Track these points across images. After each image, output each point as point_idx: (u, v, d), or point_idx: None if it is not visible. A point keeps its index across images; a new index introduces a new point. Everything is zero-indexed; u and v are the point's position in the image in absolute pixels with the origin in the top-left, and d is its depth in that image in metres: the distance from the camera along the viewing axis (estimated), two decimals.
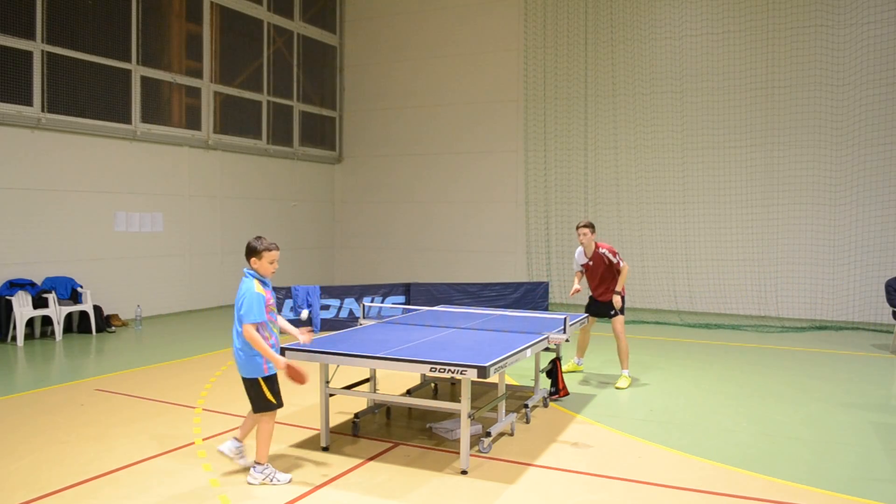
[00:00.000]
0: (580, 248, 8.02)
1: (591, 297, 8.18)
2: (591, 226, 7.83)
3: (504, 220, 15.57)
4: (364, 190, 17.23)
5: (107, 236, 11.84)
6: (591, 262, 7.85)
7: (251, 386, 4.84)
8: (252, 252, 4.86)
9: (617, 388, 7.59)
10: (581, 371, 8.44)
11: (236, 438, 5.08)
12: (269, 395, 4.83)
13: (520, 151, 15.28)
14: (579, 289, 7.94)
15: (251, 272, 4.86)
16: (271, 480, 4.78)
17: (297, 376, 4.72)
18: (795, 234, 12.94)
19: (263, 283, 4.87)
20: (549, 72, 14.85)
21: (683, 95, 13.69)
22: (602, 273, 7.88)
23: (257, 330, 4.70)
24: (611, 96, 14.36)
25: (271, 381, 4.85)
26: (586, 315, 7.79)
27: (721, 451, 5.57)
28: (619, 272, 7.77)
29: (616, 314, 7.83)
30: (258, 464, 4.83)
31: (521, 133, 15.25)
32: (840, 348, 10.20)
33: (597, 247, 7.82)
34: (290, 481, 4.81)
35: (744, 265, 13.32)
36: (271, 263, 4.88)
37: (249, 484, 4.77)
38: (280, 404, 4.90)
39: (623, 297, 7.96)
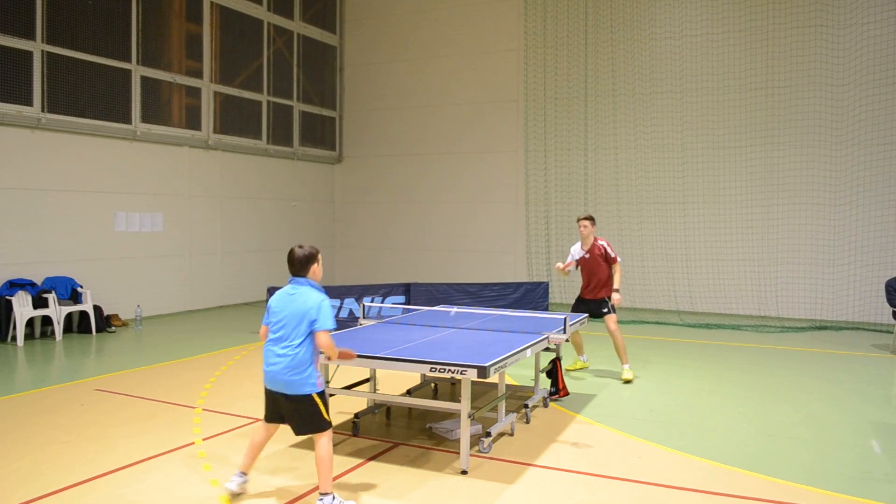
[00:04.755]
0: (577, 244, 8.21)
1: (579, 297, 8.24)
2: (591, 218, 8.07)
3: (504, 220, 15.56)
4: (364, 190, 17.22)
5: (107, 236, 11.84)
6: (587, 256, 7.94)
7: (307, 404, 4.33)
8: (311, 259, 4.45)
9: (624, 380, 7.69)
10: (588, 367, 8.48)
11: (243, 472, 4.59)
12: (324, 413, 4.37)
13: (520, 151, 15.28)
14: (565, 267, 8.08)
15: (311, 283, 4.44)
16: None
17: (347, 356, 4.79)
18: (795, 234, 12.93)
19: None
20: (549, 72, 14.85)
21: (683, 95, 13.69)
22: (597, 268, 8.01)
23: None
24: (611, 96, 14.36)
25: (325, 396, 4.44)
26: (585, 315, 7.81)
27: (721, 451, 5.58)
28: (614, 262, 7.97)
29: (608, 312, 7.90)
30: (324, 494, 4.29)
31: (521, 133, 15.25)
32: (840, 348, 10.20)
33: (595, 240, 7.95)
34: None
35: (744, 265, 13.33)
36: (320, 265, 4.59)
37: None
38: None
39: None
